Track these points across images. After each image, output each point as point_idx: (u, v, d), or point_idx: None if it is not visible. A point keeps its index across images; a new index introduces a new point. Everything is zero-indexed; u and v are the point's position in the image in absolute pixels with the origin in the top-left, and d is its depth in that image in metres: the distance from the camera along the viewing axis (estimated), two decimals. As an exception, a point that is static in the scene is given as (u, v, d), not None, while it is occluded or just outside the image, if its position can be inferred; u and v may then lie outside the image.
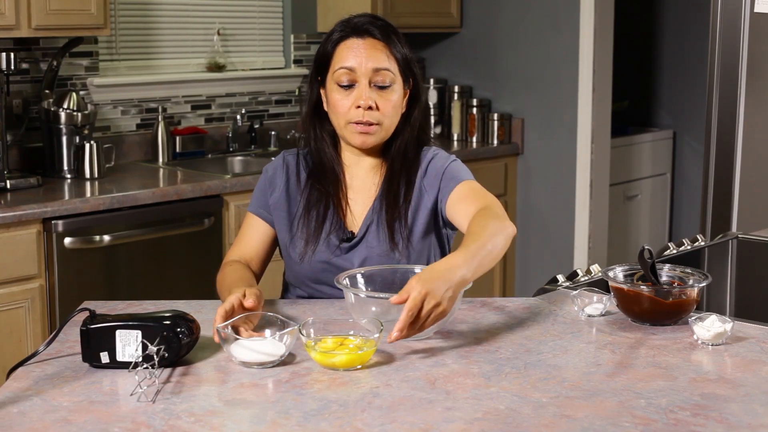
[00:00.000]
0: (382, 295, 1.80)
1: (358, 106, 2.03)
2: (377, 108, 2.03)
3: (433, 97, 4.87)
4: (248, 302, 1.77)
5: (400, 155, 2.11)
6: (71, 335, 1.75)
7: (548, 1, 4.55)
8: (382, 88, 2.04)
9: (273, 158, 2.19)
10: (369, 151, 2.12)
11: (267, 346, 1.64)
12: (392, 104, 2.05)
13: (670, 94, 5.66)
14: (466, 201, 2.03)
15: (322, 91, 2.11)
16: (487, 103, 4.79)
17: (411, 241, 2.07)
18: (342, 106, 2.04)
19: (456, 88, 4.85)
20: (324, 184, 2.10)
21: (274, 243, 2.17)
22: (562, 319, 1.91)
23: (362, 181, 2.13)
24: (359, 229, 2.09)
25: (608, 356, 1.70)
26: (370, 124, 2.04)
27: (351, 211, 2.11)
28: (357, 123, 2.04)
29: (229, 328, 1.68)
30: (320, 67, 2.10)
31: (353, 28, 2.06)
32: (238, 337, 1.66)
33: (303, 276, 2.10)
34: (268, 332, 1.71)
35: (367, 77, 2.03)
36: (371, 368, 1.62)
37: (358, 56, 2.03)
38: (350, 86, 2.04)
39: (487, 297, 2.09)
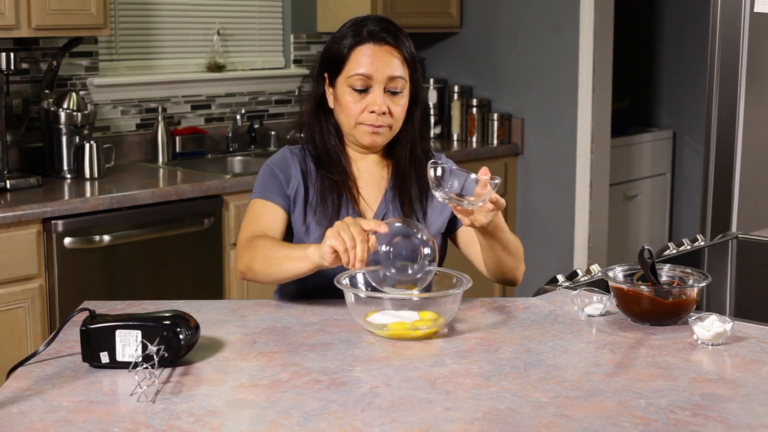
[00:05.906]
0: (381, 294, 1.81)
1: (372, 111, 2.07)
2: (389, 113, 2.09)
3: (433, 97, 4.86)
4: (382, 228, 1.79)
5: (406, 151, 2.16)
6: (71, 335, 1.75)
7: (548, 1, 4.55)
8: (394, 93, 2.09)
9: (275, 154, 2.19)
10: (374, 149, 2.16)
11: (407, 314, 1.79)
12: (402, 108, 2.11)
13: (670, 94, 5.66)
14: None
15: (327, 89, 2.14)
16: (487, 103, 4.79)
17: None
18: (354, 109, 2.08)
19: (456, 88, 4.84)
20: (334, 174, 2.13)
21: (289, 229, 2.13)
22: (562, 319, 1.91)
23: (370, 173, 2.17)
24: (375, 214, 2.13)
25: (608, 356, 1.70)
26: (381, 126, 2.09)
27: (363, 198, 2.15)
28: (369, 125, 2.08)
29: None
30: (330, 66, 2.12)
31: (369, 34, 2.08)
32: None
33: None
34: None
35: (382, 84, 2.07)
36: (371, 368, 1.63)
37: (375, 63, 2.06)
38: (364, 90, 2.08)
39: (487, 297, 2.08)
